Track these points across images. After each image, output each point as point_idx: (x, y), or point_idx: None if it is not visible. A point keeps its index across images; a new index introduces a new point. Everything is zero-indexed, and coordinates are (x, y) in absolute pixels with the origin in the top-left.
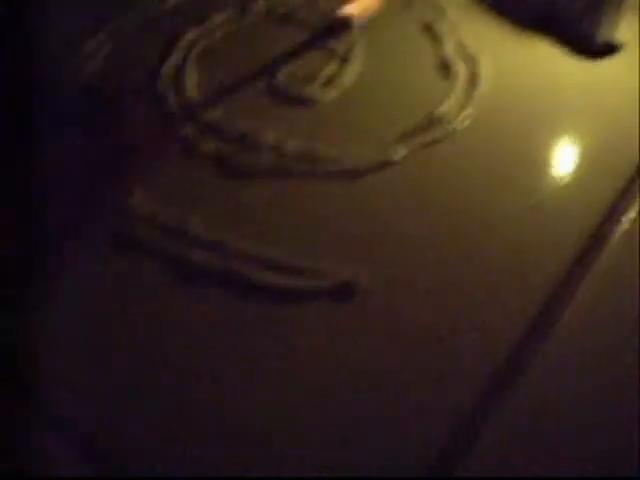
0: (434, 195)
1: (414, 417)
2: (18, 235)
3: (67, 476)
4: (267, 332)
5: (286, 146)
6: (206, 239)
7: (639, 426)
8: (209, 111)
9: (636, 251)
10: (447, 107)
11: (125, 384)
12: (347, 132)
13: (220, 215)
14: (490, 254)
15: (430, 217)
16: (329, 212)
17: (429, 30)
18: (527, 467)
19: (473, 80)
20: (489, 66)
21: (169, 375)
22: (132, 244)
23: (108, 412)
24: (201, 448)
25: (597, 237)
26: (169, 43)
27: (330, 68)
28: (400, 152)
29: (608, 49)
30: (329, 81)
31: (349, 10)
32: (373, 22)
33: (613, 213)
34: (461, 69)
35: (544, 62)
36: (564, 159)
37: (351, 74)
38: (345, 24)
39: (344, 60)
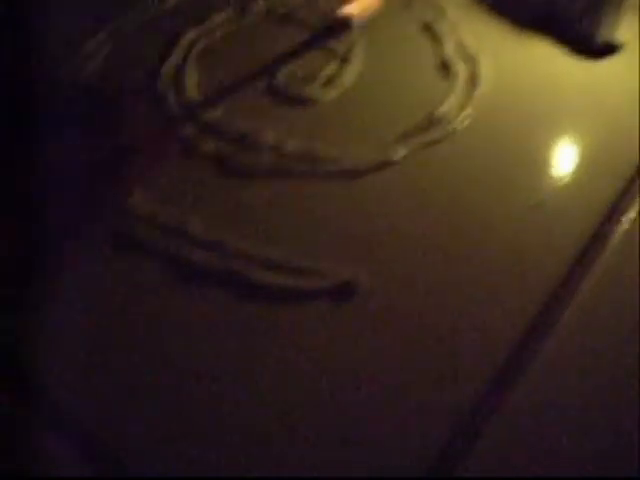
0: (434, 195)
1: (414, 417)
2: (18, 235)
3: (67, 476)
4: (267, 332)
5: (286, 146)
6: (206, 239)
7: (639, 426)
8: (209, 111)
9: (636, 251)
10: (447, 107)
11: (125, 384)
12: (347, 132)
13: (220, 215)
14: (490, 254)
15: (430, 217)
16: (329, 212)
17: (429, 30)
18: (527, 467)
19: (473, 80)
20: (489, 66)
21: (169, 375)
22: (132, 244)
23: (108, 412)
24: (201, 448)
25: (597, 237)
26: (169, 43)
27: (330, 68)
28: (400, 152)
29: (608, 49)
30: (329, 81)
31: (349, 10)
32: (373, 22)
33: (613, 213)
34: (461, 69)
35: (544, 62)
36: (564, 159)
37: (351, 74)
38: (345, 24)
39: (344, 60)
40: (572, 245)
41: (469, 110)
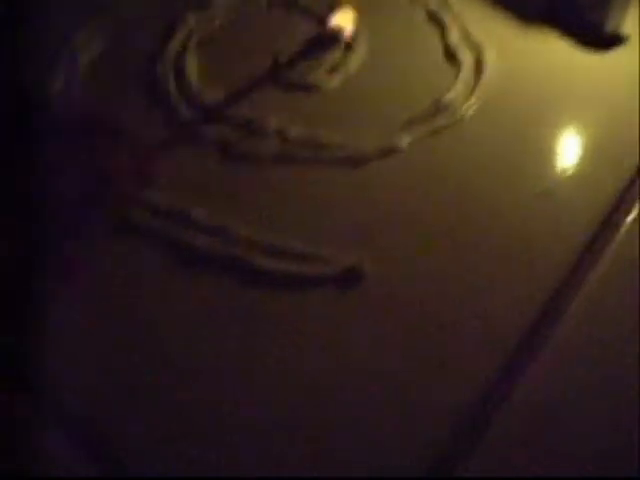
0: (439, 182)
1: (416, 411)
2: (17, 227)
3: (67, 476)
4: (270, 318)
5: (290, 132)
6: (209, 225)
7: None
8: (211, 97)
9: None
10: (452, 95)
11: (125, 381)
12: (351, 119)
13: (223, 201)
14: (497, 242)
15: (435, 204)
16: (333, 198)
17: (433, 18)
18: (528, 466)
19: (478, 68)
20: (494, 54)
21: (169, 370)
22: (133, 230)
23: (108, 412)
24: (201, 448)
25: (606, 225)
26: (170, 29)
27: (334, 56)
28: (405, 139)
29: (616, 40)
30: (333, 68)
31: (340, 22)
32: (377, 10)
33: (622, 202)
34: (466, 57)
35: (550, 51)
36: (570, 147)
37: (355, 62)
38: (335, 37)
39: (348, 48)
40: (581, 233)
41: (475, 98)
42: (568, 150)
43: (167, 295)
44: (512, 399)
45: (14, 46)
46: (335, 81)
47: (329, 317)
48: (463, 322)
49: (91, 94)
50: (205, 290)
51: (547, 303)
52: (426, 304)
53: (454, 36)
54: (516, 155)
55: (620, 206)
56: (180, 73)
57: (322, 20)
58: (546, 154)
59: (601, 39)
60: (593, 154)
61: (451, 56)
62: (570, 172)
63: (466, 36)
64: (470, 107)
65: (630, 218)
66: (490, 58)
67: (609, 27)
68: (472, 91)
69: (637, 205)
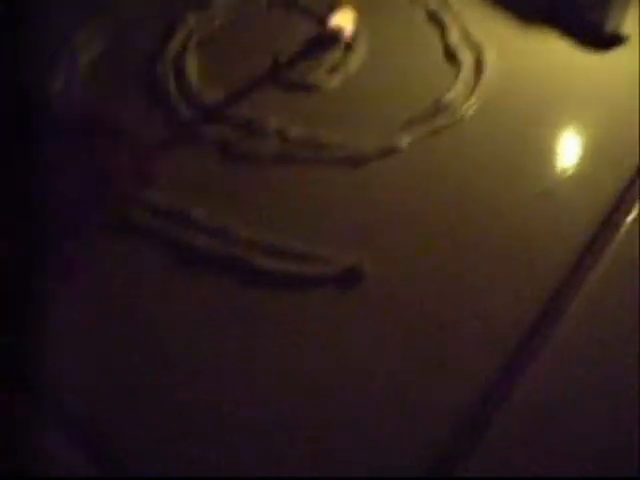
0: (439, 182)
1: (416, 411)
2: (17, 227)
3: (68, 476)
4: (270, 318)
5: (289, 132)
6: (209, 225)
7: None
8: (211, 97)
9: None
10: (453, 95)
11: (125, 380)
12: (351, 119)
13: (223, 201)
14: (497, 241)
15: (435, 204)
16: (334, 199)
17: (433, 18)
18: (528, 465)
19: (479, 68)
20: (494, 54)
21: (169, 369)
22: (134, 230)
23: (108, 412)
24: (201, 448)
25: (606, 225)
26: (170, 29)
27: (334, 56)
28: (405, 139)
29: (616, 40)
30: (333, 68)
31: (340, 21)
32: (377, 10)
33: (622, 202)
34: (466, 57)
35: (550, 51)
36: (570, 148)
37: (355, 62)
38: (335, 37)
39: (348, 48)
40: (581, 233)
41: (475, 98)
42: (568, 150)
43: (167, 295)
44: (512, 399)
45: (14, 46)
46: (335, 81)
47: (329, 317)
48: (463, 322)
49: (91, 94)
50: (205, 290)
51: (547, 303)
52: (426, 304)
53: (454, 36)
54: (516, 155)
55: (620, 206)
56: (180, 73)
57: (322, 20)
58: (546, 154)
59: (601, 39)
60: (593, 154)
61: (451, 56)
62: (570, 172)
63: (466, 36)
64: (470, 107)
65: (630, 218)
66: (490, 58)
67: (609, 27)
68: (472, 91)
69: (637, 205)
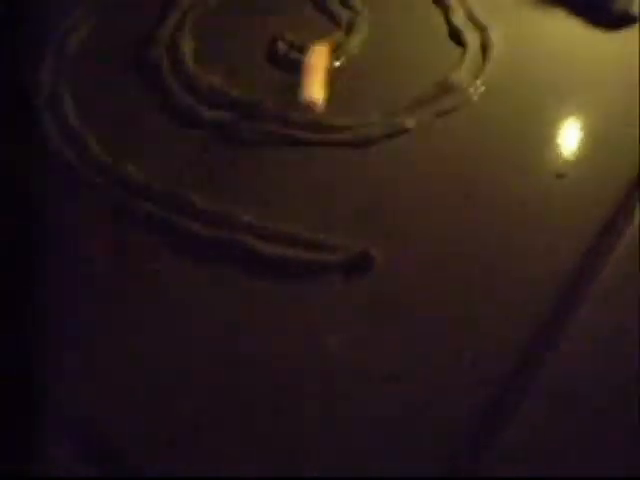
0: (448, 164)
1: (430, 411)
2: (17, 227)
3: (68, 476)
4: (272, 307)
5: (290, 114)
6: (208, 210)
7: None
8: (208, 80)
9: None
10: (459, 75)
11: (125, 380)
12: (355, 100)
13: (223, 185)
14: (510, 224)
15: (445, 186)
16: (338, 182)
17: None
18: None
19: (485, 49)
20: (501, 35)
21: (170, 367)
22: (131, 216)
23: (108, 411)
24: (201, 448)
25: (625, 207)
26: (164, 8)
27: (334, 36)
28: (411, 120)
29: (626, 19)
30: (334, 49)
31: (313, 94)
32: None
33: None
34: (472, 38)
35: (557, 32)
36: (581, 129)
37: (357, 42)
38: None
39: (349, 29)
40: (598, 216)
41: (481, 79)
42: (578, 132)
43: (166, 285)
44: (533, 386)
45: (14, 46)
46: (337, 62)
47: (335, 306)
48: (477, 311)
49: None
50: (205, 278)
51: (565, 288)
52: (438, 291)
53: (459, 16)
54: (525, 136)
55: (638, 187)
56: (175, 56)
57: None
58: (557, 135)
59: (611, 19)
60: (605, 135)
61: (456, 37)
62: (583, 154)
63: (471, 16)
64: (477, 88)
65: None
66: (496, 38)
67: (619, 6)
68: (478, 72)
69: None
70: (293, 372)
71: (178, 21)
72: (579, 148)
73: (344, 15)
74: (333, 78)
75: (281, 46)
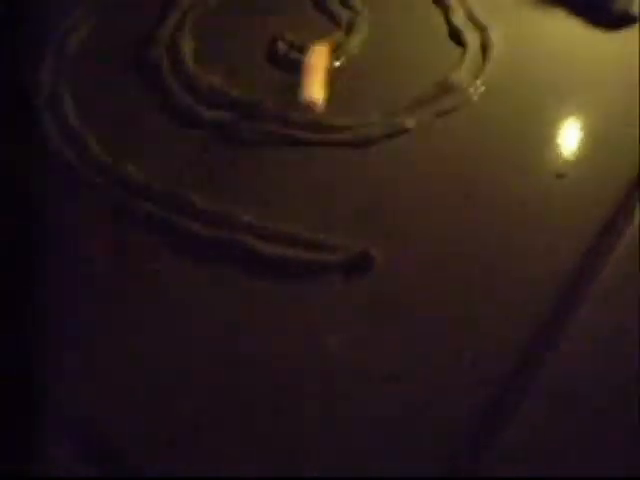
0: (448, 164)
1: (430, 411)
2: (17, 227)
3: (68, 476)
4: (272, 308)
5: (290, 114)
6: (208, 210)
7: None
8: (208, 80)
9: None
10: (459, 75)
11: (126, 380)
12: (355, 100)
13: (223, 186)
14: (510, 224)
15: (445, 186)
16: (338, 182)
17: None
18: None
19: (485, 48)
20: (501, 34)
21: (170, 367)
22: (131, 216)
23: (108, 411)
24: (201, 448)
25: (625, 206)
26: (164, 8)
27: (334, 36)
28: (412, 120)
29: (626, 19)
30: (335, 49)
31: (313, 94)
32: None
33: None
34: (472, 37)
35: (558, 31)
36: (581, 129)
37: (357, 42)
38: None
39: (348, 28)
40: (598, 216)
41: (482, 79)
42: (579, 132)
43: (166, 285)
44: (529, 393)
45: (14, 46)
46: (337, 62)
47: (335, 307)
48: (477, 311)
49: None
50: (205, 278)
51: (565, 288)
52: (437, 291)
53: (459, 16)
54: (525, 136)
55: (638, 187)
56: (175, 55)
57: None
58: (558, 136)
59: (611, 18)
60: (605, 135)
61: (457, 36)
62: (583, 154)
63: (471, 16)
64: (477, 88)
65: None
66: (496, 38)
67: (619, 6)
68: (479, 72)
69: None
70: (293, 372)
71: (178, 21)
72: (579, 148)
73: (344, 15)
74: (333, 78)
75: (281, 46)
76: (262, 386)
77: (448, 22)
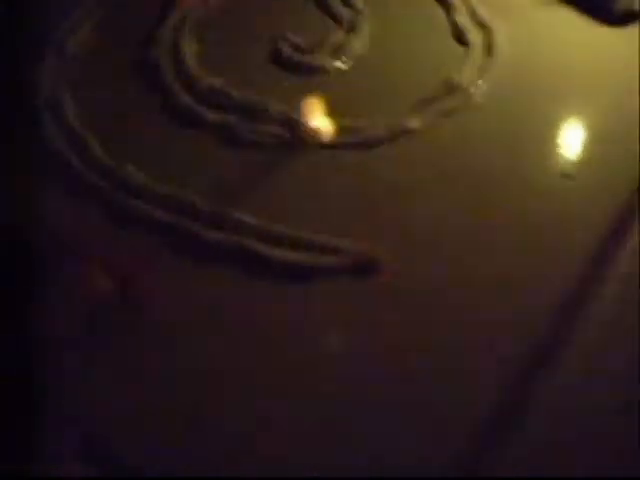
0: (452, 164)
1: (435, 412)
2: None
3: (68, 476)
4: (278, 312)
5: (295, 116)
6: (214, 214)
7: None
8: (210, 81)
9: None
10: (463, 75)
11: (126, 380)
12: (359, 101)
13: (223, 186)
14: (515, 222)
15: (449, 186)
16: (341, 185)
17: None
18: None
19: (489, 48)
20: (505, 34)
21: (170, 369)
22: (131, 217)
23: (108, 412)
24: (201, 448)
25: (634, 202)
26: (164, 8)
27: (336, 36)
28: (416, 121)
29: (629, 16)
30: (336, 50)
31: (315, 124)
32: None
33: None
34: (476, 37)
35: (561, 29)
36: (584, 127)
37: (359, 43)
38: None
39: (350, 29)
40: (606, 214)
41: (485, 79)
42: (581, 132)
43: (172, 288)
44: (529, 394)
45: (14, 46)
46: (339, 63)
47: (341, 309)
48: (480, 314)
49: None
50: (205, 278)
51: (566, 289)
52: (444, 291)
53: (462, 16)
54: (530, 136)
55: None
56: (175, 55)
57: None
58: (562, 134)
59: (614, 16)
60: (607, 135)
61: (461, 36)
62: (586, 154)
63: (475, 16)
64: (481, 88)
65: None
66: (500, 38)
67: (622, 4)
68: (483, 72)
69: None
70: (293, 372)
71: (178, 21)
72: (582, 149)
73: (346, 14)
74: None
75: (285, 48)
76: (262, 386)
77: (451, 22)
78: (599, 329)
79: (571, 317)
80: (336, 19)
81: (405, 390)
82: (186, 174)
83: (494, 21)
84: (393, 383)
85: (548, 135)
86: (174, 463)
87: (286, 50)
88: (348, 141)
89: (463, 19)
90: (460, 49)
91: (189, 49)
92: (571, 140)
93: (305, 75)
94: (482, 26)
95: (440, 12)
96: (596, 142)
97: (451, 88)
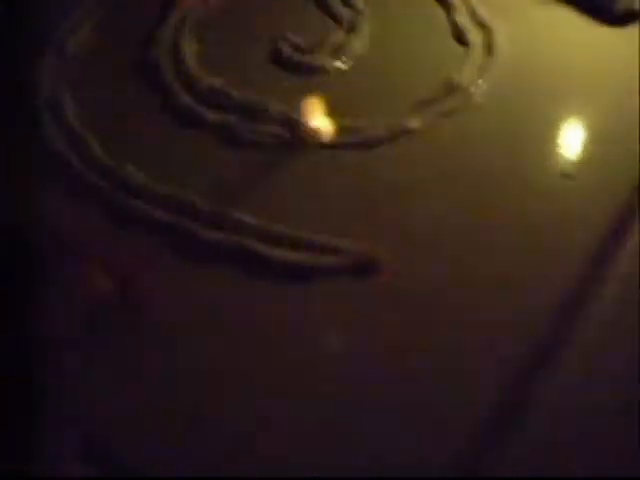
0: (452, 164)
1: (434, 412)
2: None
3: (68, 476)
4: (273, 307)
5: (295, 116)
6: (209, 210)
7: None
8: (208, 79)
9: None
10: (463, 75)
11: (126, 380)
12: (360, 101)
13: (223, 186)
14: (515, 222)
15: (449, 186)
16: (341, 185)
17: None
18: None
19: (489, 48)
20: (505, 34)
21: (171, 369)
22: (136, 221)
23: (108, 412)
24: (201, 448)
25: (633, 201)
26: (164, 8)
27: (336, 37)
28: (416, 121)
29: (629, 16)
30: (336, 50)
31: (315, 123)
32: None
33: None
34: (476, 37)
35: (561, 29)
36: (584, 127)
37: (359, 43)
38: (312, 138)
39: (350, 29)
40: (601, 219)
41: (486, 79)
42: (581, 132)
43: (171, 288)
44: (529, 394)
45: (14, 46)
46: (339, 63)
47: (340, 310)
48: (480, 314)
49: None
50: (205, 278)
51: (576, 288)
52: (444, 291)
53: (462, 16)
54: (530, 136)
55: None
56: (175, 55)
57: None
58: (563, 134)
59: (614, 16)
60: (607, 135)
61: (460, 37)
62: (586, 154)
63: (475, 16)
64: (481, 88)
65: None
66: (500, 38)
67: (621, 4)
68: (483, 72)
69: None
70: (293, 373)
71: (178, 21)
72: (582, 149)
73: (346, 14)
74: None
75: (285, 48)
76: (262, 386)
77: (451, 22)
78: (599, 329)
79: (571, 317)
80: (336, 19)
81: (405, 390)
82: (186, 174)
83: (494, 21)
84: (393, 383)
85: (548, 135)
86: (174, 463)
87: (286, 50)
88: (348, 141)
89: (463, 19)
90: (460, 49)
91: (189, 49)
92: (571, 140)
93: (305, 75)
94: (482, 26)
95: (440, 12)
96: (596, 142)
97: (451, 88)
